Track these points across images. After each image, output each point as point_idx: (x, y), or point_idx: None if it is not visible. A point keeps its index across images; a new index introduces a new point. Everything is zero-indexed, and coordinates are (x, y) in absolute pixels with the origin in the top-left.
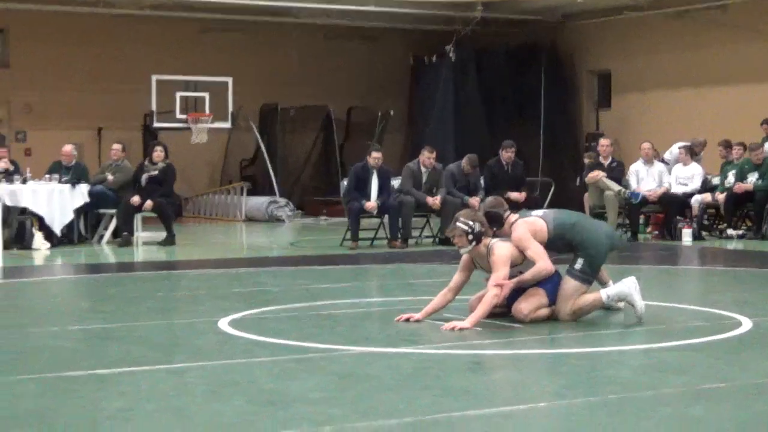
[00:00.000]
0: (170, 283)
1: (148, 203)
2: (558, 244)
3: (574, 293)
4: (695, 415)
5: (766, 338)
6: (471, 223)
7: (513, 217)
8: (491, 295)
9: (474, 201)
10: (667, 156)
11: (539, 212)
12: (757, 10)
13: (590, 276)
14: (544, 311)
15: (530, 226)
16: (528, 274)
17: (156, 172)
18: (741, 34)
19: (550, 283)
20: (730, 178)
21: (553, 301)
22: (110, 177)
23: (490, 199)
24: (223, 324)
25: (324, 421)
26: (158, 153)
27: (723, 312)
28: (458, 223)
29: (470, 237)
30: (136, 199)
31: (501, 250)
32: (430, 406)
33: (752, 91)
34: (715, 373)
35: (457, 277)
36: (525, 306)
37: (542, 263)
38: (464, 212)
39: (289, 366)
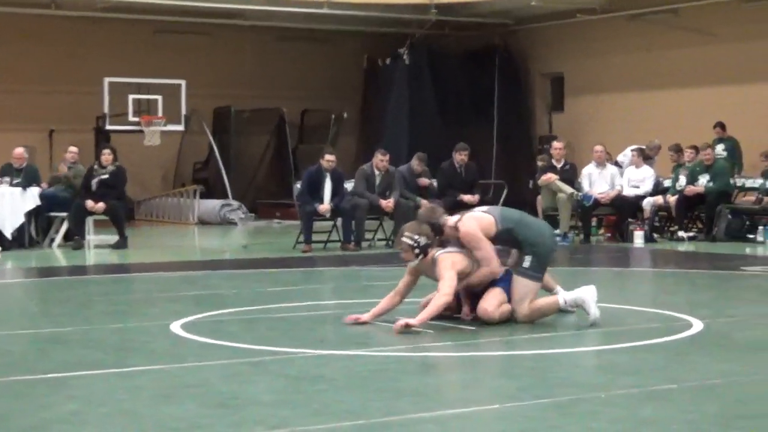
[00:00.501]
0: (122, 287)
1: (100, 205)
2: (504, 238)
3: (528, 292)
4: (646, 415)
5: (717, 339)
6: (416, 237)
7: (451, 220)
8: (441, 296)
9: (425, 203)
10: (620, 158)
11: (484, 208)
12: (708, 13)
13: (540, 273)
14: (507, 306)
15: (478, 222)
16: (475, 278)
17: (106, 176)
18: (693, 37)
19: (503, 282)
20: (682, 180)
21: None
22: (65, 169)
23: (422, 210)
24: (176, 327)
25: (277, 423)
26: (107, 156)
27: (674, 313)
28: (403, 238)
29: (416, 251)
30: (90, 204)
31: (446, 261)
32: (384, 408)
33: (705, 94)
34: (667, 374)
35: (404, 281)
36: (489, 306)
37: (491, 268)
38: (409, 226)
39: (243, 369)
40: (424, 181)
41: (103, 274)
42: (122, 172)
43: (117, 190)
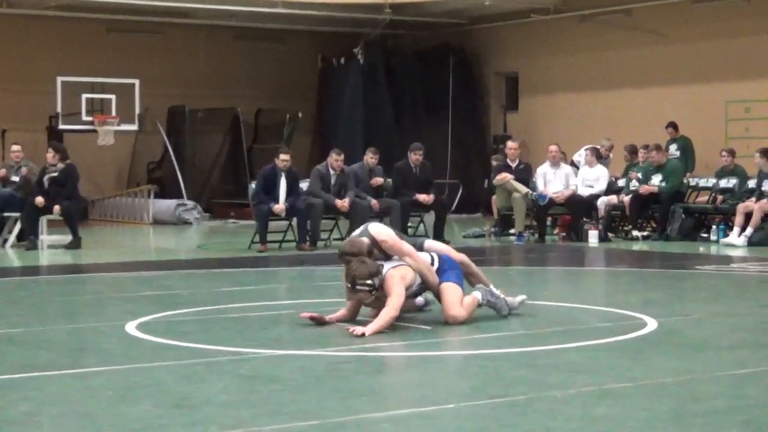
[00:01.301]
0: (76, 287)
1: (56, 208)
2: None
3: (460, 296)
4: (601, 414)
5: (671, 338)
6: (370, 282)
7: (378, 234)
8: (390, 309)
9: (375, 203)
10: (576, 158)
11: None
12: (660, 14)
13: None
14: (469, 300)
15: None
16: (427, 279)
17: (56, 174)
18: (645, 37)
19: (453, 276)
20: (635, 180)
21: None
22: (24, 169)
23: (351, 248)
24: (131, 327)
25: (232, 423)
26: (50, 155)
27: (628, 312)
28: (358, 288)
29: (374, 292)
30: (40, 200)
31: (395, 277)
32: (339, 408)
33: (658, 94)
34: (621, 372)
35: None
36: (455, 311)
37: (418, 260)
38: (357, 273)
39: (198, 369)
40: (377, 180)
41: (56, 274)
42: (72, 169)
43: (68, 189)
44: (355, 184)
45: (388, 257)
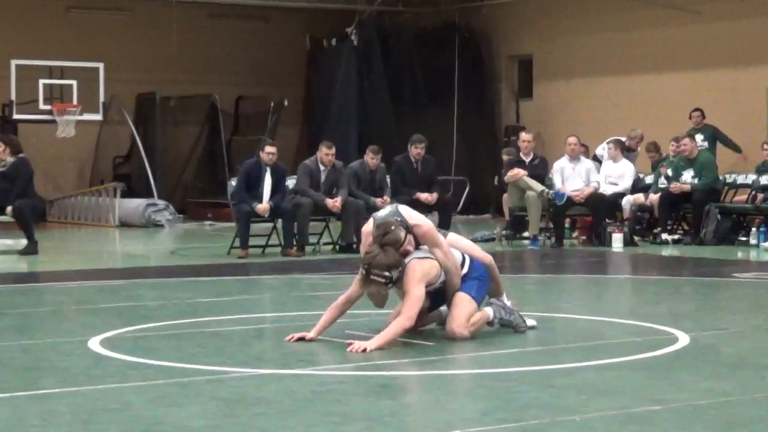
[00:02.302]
0: (32, 298)
1: (8, 209)
2: None
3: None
4: None
5: (705, 355)
6: (387, 273)
7: (411, 217)
8: (405, 320)
9: (379, 201)
10: (599, 152)
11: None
12: None
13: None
14: (478, 316)
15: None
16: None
17: (5, 169)
18: (677, 15)
19: (474, 287)
20: (665, 176)
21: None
22: None
23: (377, 224)
24: (94, 344)
25: None
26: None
27: (657, 326)
28: (373, 277)
29: (389, 285)
30: None
31: (416, 272)
32: None
33: (690, 80)
34: (649, 394)
35: (353, 289)
36: (458, 329)
37: (450, 257)
38: (377, 259)
39: (170, 391)
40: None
41: (9, 283)
42: (24, 164)
43: (19, 186)
44: (356, 186)
45: (416, 245)
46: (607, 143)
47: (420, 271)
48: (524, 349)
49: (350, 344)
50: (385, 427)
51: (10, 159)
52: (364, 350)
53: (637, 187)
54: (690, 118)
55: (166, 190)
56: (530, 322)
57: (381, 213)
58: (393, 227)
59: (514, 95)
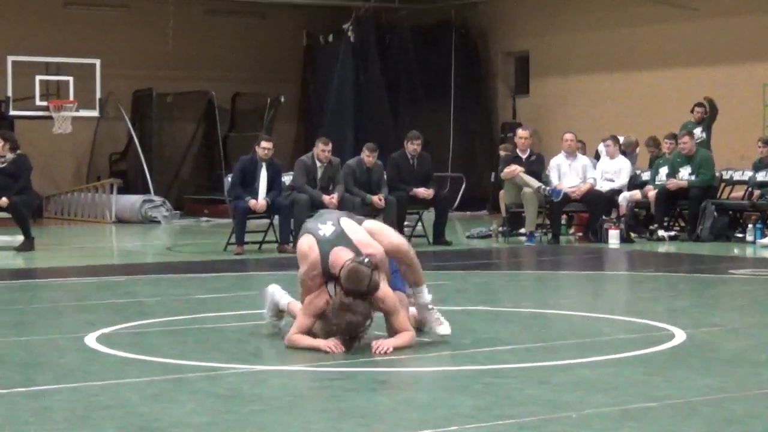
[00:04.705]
0: (29, 294)
1: (3, 200)
2: None
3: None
4: None
5: (701, 351)
6: (367, 323)
7: (361, 242)
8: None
9: (376, 198)
10: (601, 148)
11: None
12: None
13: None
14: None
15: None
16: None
17: (4, 165)
18: (674, 11)
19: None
20: (662, 173)
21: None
22: None
23: (351, 278)
24: (91, 340)
25: None
26: None
27: (653, 323)
28: (354, 336)
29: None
30: None
31: (394, 300)
32: (327, 431)
33: (687, 76)
34: (645, 390)
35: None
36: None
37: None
38: (353, 322)
39: (166, 387)
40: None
41: (5, 280)
42: (24, 161)
43: (20, 183)
44: (353, 181)
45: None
46: (604, 140)
47: (390, 290)
48: (520, 345)
49: (378, 345)
50: (380, 424)
51: (9, 155)
52: (387, 351)
53: (634, 183)
54: (692, 112)
55: (163, 186)
56: (444, 329)
57: (323, 232)
58: (367, 282)
59: (511, 92)
